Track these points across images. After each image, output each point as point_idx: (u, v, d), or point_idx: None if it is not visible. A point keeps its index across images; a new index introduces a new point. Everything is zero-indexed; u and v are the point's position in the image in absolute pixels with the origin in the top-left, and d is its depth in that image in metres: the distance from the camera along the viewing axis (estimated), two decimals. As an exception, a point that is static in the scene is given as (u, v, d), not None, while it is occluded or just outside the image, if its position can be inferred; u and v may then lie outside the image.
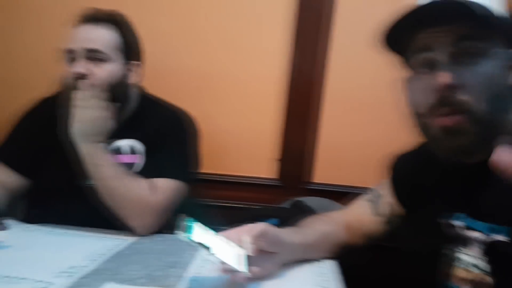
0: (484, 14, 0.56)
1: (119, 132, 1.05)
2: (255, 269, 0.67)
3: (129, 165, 1.04)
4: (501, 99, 0.60)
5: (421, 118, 0.64)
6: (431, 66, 0.61)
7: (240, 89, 1.57)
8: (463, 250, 0.65)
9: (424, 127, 0.65)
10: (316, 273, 0.78)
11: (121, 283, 0.68)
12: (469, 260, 0.64)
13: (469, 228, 0.64)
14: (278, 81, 1.55)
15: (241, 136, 1.59)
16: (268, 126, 1.58)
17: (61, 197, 1.01)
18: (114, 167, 0.96)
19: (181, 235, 0.60)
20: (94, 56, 0.99)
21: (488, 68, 0.59)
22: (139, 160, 1.05)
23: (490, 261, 0.61)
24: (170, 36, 1.55)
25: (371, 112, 1.50)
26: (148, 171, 1.01)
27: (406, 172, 0.84)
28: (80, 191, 0.97)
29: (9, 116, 1.12)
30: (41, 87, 1.14)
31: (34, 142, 1.07)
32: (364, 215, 0.89)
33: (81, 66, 0.98)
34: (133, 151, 1.05)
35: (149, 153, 1.05)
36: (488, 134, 0.59)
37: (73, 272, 0.71)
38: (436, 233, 0.68)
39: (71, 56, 1.00)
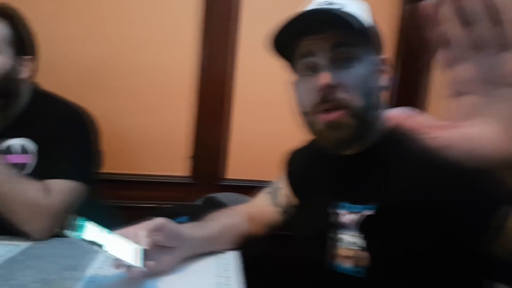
0: (357, 24, 0.64)
1: (9, 131, 1.00)
2: (151, 263, 0.70)
3: (21, 166, 0.99)
4: (373, 97, 0.69)
5: (308, 116, 0.71)
6: (314, 69, 0.69)
7: (151, 87, 1.56)
8: (345, 232, 0.73)
9: (310, 124, 0.72)
10: (218, 264, 0.82)
11: (11, 289, 0.67)
12: (349, 239, 0.72)
13: (350, 213, 0.73)
14: (189, 78, 1.57)
15: (152, 135, 1.59)
16: (180, 124, 1.60)
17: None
18: (3, 169, 0.91)
19: (71, 234, 0.61)
20: None
21: (362, 70, 0.67)
22: (31, 160, 1.00)
23: (364, 237, 0.70)
24: (73, 31, 1.50)
25: (278, 109, 1.59)
26: (42, 172, 0.97)
27: (297, 166, 0.93)
28: None
29: None
30: None
31: None
32: (265, 207, 0.96)
33: None
34: (24, 151, 1.00)
35: (42, 153, 1.00)
36: (364, 127, 0.69)
37: (-44, 282, 0.68)
38: (323, 221, 0.76)
39: None
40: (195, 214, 1.14)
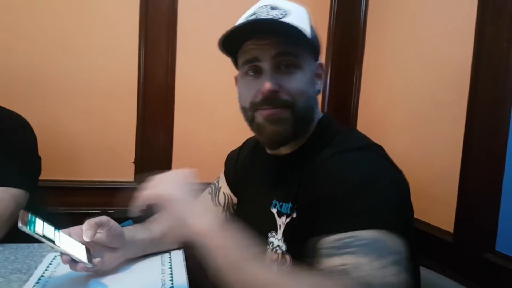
0: (297, 36, 0.69)
1: None
2: (97, 260, 0.75)
3: None
4: (311, 100, 0.76)
5: (248, 111, 0.76)
6: (258, 72, 0.74)
7: (93, 91, 1.57)
8: (275, 234, 0.75)
9: (250, 119, 0.76)
10: (162, 263, 0.88)
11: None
12: (276, 242, 0.75)
13: (280, 213, 0.75)
14: (132, 82, 1.60)
15: (95, 140, 1.59)
16: (125, 128, 1.62)
17: None
18: None
19: (24, 228, 0.65)
20: None
21: (302, 76, 0.73)
22: None
23: (285, 240, 0.73)
24: (7, 33, 1.48)
25: (218, 111, 1.67)
26: None
27: (235, 165, 0.99)
28: None
29: None
30: None
31: None
32: (206, 206, 1.00)
33: None
34: None
35: None
36: (301, 126, 0.75)
37: None
38: (263, 222, 0.78)
39: None
40: (138, 218, 1.19)
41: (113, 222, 0.80)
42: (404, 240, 0.60)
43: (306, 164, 0.73)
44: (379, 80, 1.62)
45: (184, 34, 1.63)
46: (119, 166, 1.64)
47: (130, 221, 1.31)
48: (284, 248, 0.73)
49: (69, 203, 1.52)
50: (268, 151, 0.83)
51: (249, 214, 0.87)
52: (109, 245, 0.80)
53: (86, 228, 0.75)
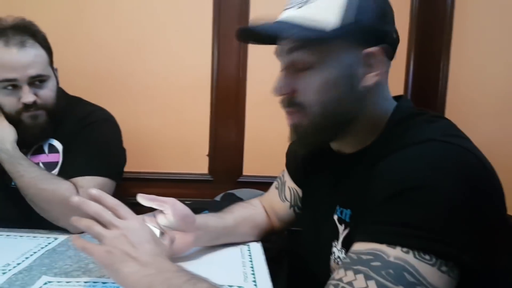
0: (299, 34, 0.62)
1: (47, 133, 1.07)
2: (167, 241, 0.74)
3: (53, 164, 1.07)
4: (341, 101, 0.65)
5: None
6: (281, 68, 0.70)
7: (170, 88, 1.62)
8: (336, 244, 0.70)
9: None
10: (242, 255, 0.87)
11: (56, 276, 0.74)
12: (337, 253, 0.69)
13: (340, 220, 0.70)
14: (205, 78, 1.63)
15: (172, 134, 1.65)
16: (199, 123, 1.65)
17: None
18: (35, 171, 0.98)
19: None
20: (37, 81, 1.02)
21: (319, 75, 0.64)
22: (60, 159, 1.08)
23: (346, 253, 0.65)
24: (94, 36, 1.57)
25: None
26: (69, 170, 1.04)
27: (293, 157, 0.95)
28: (9, 192, 0.98)
29: None
30: None
31: None
32: (273, 202, 0.99)
33: (29, 95, 1.00)
34: (54, 150, 1.08)
35: (69, 152, 1.08)
36: (326, 130, 0.67)
37: (7, 269, 0.75)
38: (325, 230, 0.73)
39: (10, 85, 1.00)
40: (214, 209, 1.21)
41: (178, 203, 0.80)
42: (455, 270, 0.50)
43: (370, 164, 0.63)
44: (469, 66, 1.46)
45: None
46: (193, 159, 1.68)
47: (206, 211, 1.33)
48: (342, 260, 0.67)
49: (147, 194, 1.58)
50: (333, 146, 0.76)
51: (312, 220, 0.81)
52: (180, 228, 0.78)
53: (145, 198, 0.76)
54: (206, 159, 1.68)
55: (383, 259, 0.51)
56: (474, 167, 0.55)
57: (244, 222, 0.94)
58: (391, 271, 0.49)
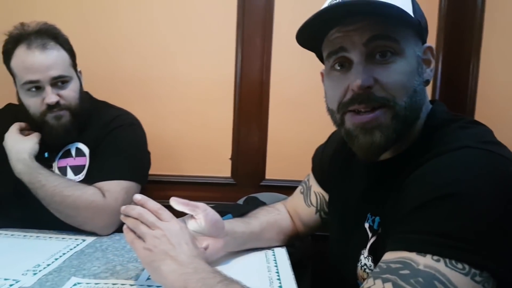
0: (395, 13, 0.57)
1: (71, 134, 1.10)
2: (201, 248, 0.75)
3: (80, 168, 1.09)
4: (417, 94, 0.62)
5: (336, 114, 0.66)
6: (346, 65, 0.63)
7: (192, 92, 1.63)
8: (364, 251, 0.68)
9: (339, 123, 0.67)
10: (268, 260, 0.87)
11: (85, 278, 0.75)
12: (363, 260, 0.68)
13: (371, 228, 0.68)
14: (228, 82, 1.63)
15: (195, 138, 1.66)
16: (221, 126, 1.66)
17: (19, 202, 1.05)
18: (56, 180, 1.00)
19: None
20: (59, 82, 1.04)
21: (404, 65, 0.60)
22: (86, 163, 1.10)
23: (374, 260, 0.66)
24: (118, 42, 1.60)
25: (312, 109, 1.60)
26: (95, 174, 1.06)
27: (319, 161, 0.94)
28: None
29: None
30: None
31: None
32: (299, 206, 0.98)
33: (52, 96, 1.03)
34: (81, 154, 1.11)
35: (95, 156, 1.10)
36: (404, 129, 0.62)
37: (38, 270, 0.77)
38: (354, 237, 0.72)
39: (34, 87, 1.03)
40: (237, 213, 1.21)
41: (209, 209, 0.80)
42: (490, 281, 0.48)
43: (404, 171, 0.60)
44: (500, 67, 1.42)
45: (280, 30, 1.61)
46: (217, 162, 1.68)
47: (230, 215, 1.33)
48: (372, 268, 0.65)
49: (169, 197, 1.59)
50: None
51: (340, 227, 0.80)
52: (210, 234, 0.79)
53: (178, 202, 0.77)
54: (229, 163, 1.68)
55: (412, 267, 0.50)
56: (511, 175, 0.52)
57: (269, 228, 0.93)
58: (420, 279, 0.48)
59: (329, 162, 0.89)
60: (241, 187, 1.66)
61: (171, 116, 1.64)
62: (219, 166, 1.68)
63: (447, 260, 0.48)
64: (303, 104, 1.63)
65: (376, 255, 0.65)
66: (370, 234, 0.68)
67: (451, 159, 0.55)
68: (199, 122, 1.65)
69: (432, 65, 0.66)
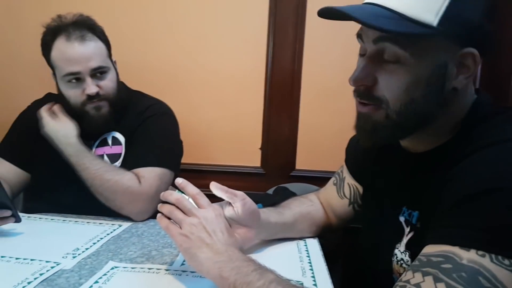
0: (390, 28, 0.55)
1: (110, 123, 1.12)
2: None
3: (116, 156, 1.12)
4: (415, 104, 0.60)
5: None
6: (361, 55, 0.64)
7: (223, 81, 1.63)
8: (399, 246, 0.67)
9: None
10: (299, 250, 0.86)
11: (122, 262, 0.77)
12: (399, 255, 0.67)
13: (407, 222, 0.66)
14: (259, 72, 1.62)
15: (225, 127, 1.67)
16: (252, 116, 1.66)
17: (58, 188, 1.09)
18: (99, 163, 1.03)
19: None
20: (98, 73, 1.07)
21: (402, 73, 0.59)
22: (122, 151, 1.12)
23: (411, 255, 0.64)
24: (151, 35, 1.62)
25: (344, 98, 1.58)
26: (131, 161, 1.08)
27: (353, 152, 0.92)
28: (75, 181, 1.04)
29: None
30: (26, 90, 1.20)
31: (30, 138, 1.13)
32: (331, 198, 0.97)
33: (92, 87, 1.05)
34: (117, 142, 1.13)
35: (131, 144, 1.12)
36: (399, 132, 0.64)
37: (77, 253, 0.80)
38: (389, 230, 0.70)
39: (74, 78, 1.06)
40: (267, 203, 1.20)
41: (247, 198, 0.80)
42: None
43: (445, 164, 0.59)
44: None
45: (313, 18, 1.58)
46: (247, 152, 1.69)
47: (260, 204, 1.33)
48: (409, 263, 0.64)
49: (202, 185, 1.60)
50: (402, 143, 0.72)
51: (374, 220, 0.78)
52: (245, 223, 0.79)
53: (217, 187, 0.77)
54: (259, 153, 1.68)
55: (454, 262, 0.48)
56: None
57: (302, 218, 0.93)
58: (463, 274, 0.47)
59: (364, 154, 0.87)
60: (270, 177, 1.66)
61: (202, 105, 1.66)
62: (249, 156, 1.68)
63: (493, 256, 0.47)
64: (336, 93, 1.60)
65: (414, 251, 0.63)
66: (406, 229, 0.66)
67: (497, 152, 0.53)
68: (230, 111, 1.66)
69: (470, 72, 0.60)
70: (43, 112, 1.10)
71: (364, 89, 0.62)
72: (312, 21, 1.58)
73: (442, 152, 0.63)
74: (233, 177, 1.68)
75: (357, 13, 0.55)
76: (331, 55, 1.58)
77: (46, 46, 1.07)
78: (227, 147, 1.68)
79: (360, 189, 0.90)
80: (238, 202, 0.77)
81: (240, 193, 0.79)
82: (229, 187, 1.65)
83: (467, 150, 0.56)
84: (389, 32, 0.56)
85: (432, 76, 0.59)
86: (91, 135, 1.12)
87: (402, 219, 0.68)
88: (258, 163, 1.69)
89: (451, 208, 0.53)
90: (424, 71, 0.58)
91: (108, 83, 1.09)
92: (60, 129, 1.07)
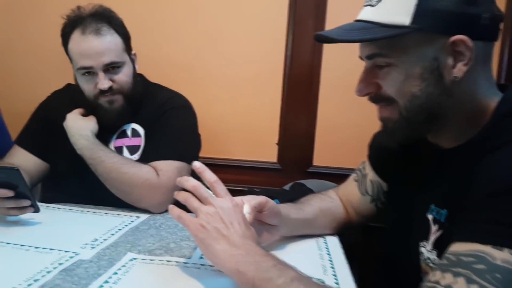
0: (383, 31, 0.60)
1: (124, 117, 1.12)
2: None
3: (135, 148, 1.11)
4: (417, 99, 0.62)
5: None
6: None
7: (240, 75, 1.62)
8: (425, 243, 0.66)
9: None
10: (319, 247, 0.85)
11: (140, 254, 0.76)
12: (426, 254, 0.65)
13: (435, 220, 0.65)
14: (277, 66, 1.60)
15: (242, 121, 1.65)
16: (268, 111, 1.64)
17: (75, 178, 1.09)
18: (115, 157, 1.02)
19: None
20: (111, 67, 1.06)
21: (395, 74, 0.63)
22: (142, 143, 1.12)
23: (438, 255, 0.63)
24: (168, 28, 1.61)
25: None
26: (150, 153, 1.08)
27: (383, 150, 0.87)
28: (92, 173, 1.04)
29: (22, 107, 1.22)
30: (46, 81, 1.20)
31: (49, 129, 1.14)
32: (352, 195, 0.94)
33: (105, 82, 1.04)
34: (136, 134, 1.13)
35: (149, 136, 1.12)
36: (410, 129, 0.65)
37: (96, 244, 0.79)
38: (415, 228, 0.69)
39: (87, 72, 1.05)
40: (285, 198, 1.19)
41: (271, 202, 0.79)
42: None
43: (473, 159, 0.58)
44: None
45: (334, 11, 1.55)
46: (263, 147, 1.67)
47: (277, 200, 1.32)
48: (436, 262, 0.62)
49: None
50: (431, 140, 0.71)
51: (399, 217, 0.77)
52: (267, 222, 0.79)
53: (247, 211, 0.73)
54: (276, 148, 1.66)
55: (488, 262, 0.46)
56: None
57: (322, 215, 0.91)
58: (498, 275, 0.45)
59: (389, 150, 0.84)
60: (286, 173, 1.64)
61: (219, 98, 1.64)
62: (266, 151, 1.67)
63: None
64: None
65: (442, 250, 0.61)
66: (434, 227, 0.65)
67: None
68: (247, 105, 1.64)
69: (466, 58, 0.59)
70: (75, 110, 1.10)
71: (374, 95, 0.67)
72: (333, 13, 1.55)
73: (469, 147, 0.62)
74: (249, 171, 1.67)
75: (334, 34, 0.64)
76: (353, 49, 1.55)
77: (65, 38, 1.07)
78: (243, 141, 1.67)
79: (384, 186, 0.88)
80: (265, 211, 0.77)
81: (263, 200, 0.77)
82: (244, 181, 1.65)
83: (496, 145, 0.56)
84: (362, 41, 0.64)
85: (425, 71, 0.61)
86: (108, 128, 1.12)
87: (430, 217, 0.66)
88: (274, 159, 1.67)
89: (480, 202, 0.51)
90: (414, 67, 0.61)
91: (122, 77, 1.08)
92: (77, 122, 1.07)
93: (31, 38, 1.68)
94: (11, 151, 1.14)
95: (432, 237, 0.64)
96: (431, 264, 0.64)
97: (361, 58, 0.69)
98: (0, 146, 1.24)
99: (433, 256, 0.64)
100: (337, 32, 0.65)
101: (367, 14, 0.64)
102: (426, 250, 0.65)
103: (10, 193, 0.84)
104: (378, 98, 0.67)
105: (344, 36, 0.63)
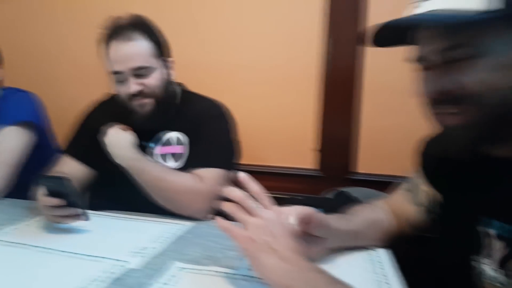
0: (451, 21, 0.55)
1: (167, 125, 1.14)
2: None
3: (179, 155, 1.12)
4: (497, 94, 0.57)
5: (429, 110, 0.65)
6: (424, 66, 0.63)
7: (278, 81, 1.61)
8: (487, 261, 0.62)
9: (432, 118, 0.66)
10: (372, 261, 0.81)
11: (187, 263, 0.76)
12: (490, 273, 0.62)
13: (500, 236, 0.61)
14: (315, 70, 1.58)
15: (281, 128, 1.64)
16: (308, 116, 1.61)
17: (123, 186, 1.11)
18: (159, 167, 1.05)
19: None
20: (140, 72, 1.07)
21: (483, 63, 0.56)
22: (185, 151, 1.13)
23: (507, 275, 0.59)
24: (207, 36, 1.62)
25: (411, 98, 1.50)
26: (192, 161, 1.09)
27: (434, 158, 0.83)
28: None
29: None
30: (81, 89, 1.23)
31: (95, 138, 1.16)
32: (405, 205, 0.90)
33: (133, 86, 1.07)
34: (180, 142, 1.14)
35: (192, 144, 1.13)
36: (493, 131, 0.59)
37: (145, 252, 0.80)
38: (469, 243, 0.66)
39: (119, 76, 1.08)
40: (328, 207, 1.15)
41: (319, 213, 0.76)
42: None
43: None
44: None
45: (376, 16, 1.50)
46: (301, 153, 1.65)
47: (320, 210, 1.29)
48: (505, 283, 0.58)
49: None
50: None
51: (452, 230, 0.73)
52: (315, 234, 0.76)
53: (295, 223, 0.71)
54: (311, 153, 1.63)
55: None
56: None
57: (372, 227, 0.87)
58: None
59: (443, 159, 0.79)
60: (328, 180, 1.60)
61: (253, 104, 1.63)
62: (304, 157, 1.64)
63: None
64: (403, 92, 1.51)
65: (509, 269, 0.57)
66: (499, 244, 0.60)
67: None
68: (281, 110, 1.62)
69: None
70: (115, 126, 1.13)
71: (448, 94, 0.59)
72: (375, 12, 1.50)
73: None
74: (285, 178, 1.65)
75: (410, 20, 0.58)
76: (396, 51, 1.50)
77: (102, 46, 1.11)
78: (280, 147, 1.65)
79: (437, 196, 0.83)
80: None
81: (310, 212, 0.74)
82: (281, 189, 1.62)
83: None
84: (444, 23, 0.56)
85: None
86: (144, 135, 1.13)
87: (492, 232, 0.61)
88: (313, 165, 1.63)
89: None
90: (502, 57, 0.55)
91: (151, 81, 1.09)
92: (117, 134, 1.10)
93: (65, 47, 1.73)
94: (61, 160, 1.18)
95: (497, 255, 0.60)
96: (497, 284, 0.59)
97: (419, 58, 0.63)
98: (46, 152, 1.29)
99: (500, 276, 0.59)
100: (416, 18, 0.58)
101: (437, 3, 0.57)
102: (490, 268, 0.61)
103: (61, 202, 0.86)
104: (452, 98, 0.59)
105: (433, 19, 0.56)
